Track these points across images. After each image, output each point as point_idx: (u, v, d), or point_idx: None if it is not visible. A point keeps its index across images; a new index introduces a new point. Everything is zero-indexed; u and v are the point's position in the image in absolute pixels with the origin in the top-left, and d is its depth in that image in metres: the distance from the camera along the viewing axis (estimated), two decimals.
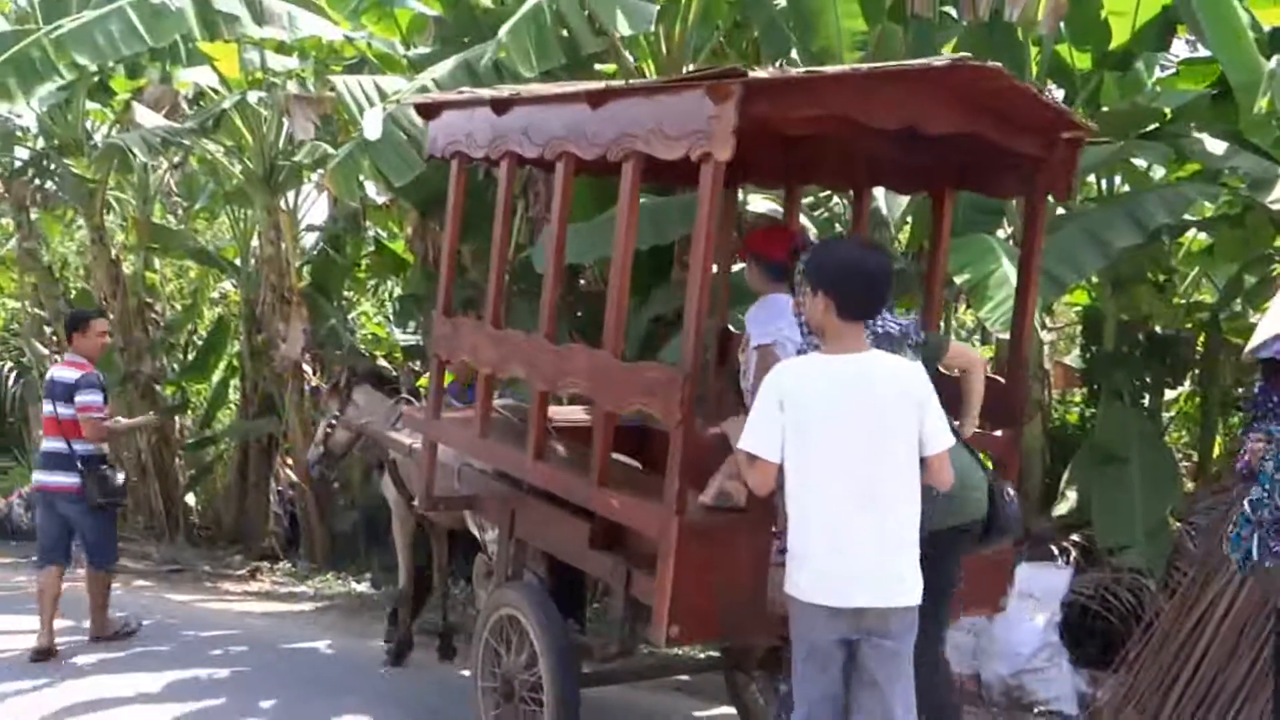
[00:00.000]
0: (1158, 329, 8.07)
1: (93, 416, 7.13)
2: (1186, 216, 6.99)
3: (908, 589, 3.66)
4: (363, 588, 9.58)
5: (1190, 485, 7.50)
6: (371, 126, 7.22)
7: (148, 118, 10.34)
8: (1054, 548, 7.01)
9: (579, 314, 8.60)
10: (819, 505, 3.64)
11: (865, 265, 3.76)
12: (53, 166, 11.56)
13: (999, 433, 4.71)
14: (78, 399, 7.13)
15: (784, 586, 3.73)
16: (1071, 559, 6.93)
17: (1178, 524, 6.86)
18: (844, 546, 3.61)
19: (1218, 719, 5.83)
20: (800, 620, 3.69)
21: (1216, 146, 6.76)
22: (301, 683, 6.54)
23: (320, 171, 11.23)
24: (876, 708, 3.68)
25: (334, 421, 7.23)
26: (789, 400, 3.64)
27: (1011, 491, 4.19)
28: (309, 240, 12.32)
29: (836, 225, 7.99)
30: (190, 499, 12.36)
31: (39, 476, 7.32)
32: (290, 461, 11.01)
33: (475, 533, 6.33)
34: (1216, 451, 7.95)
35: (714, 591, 4.01)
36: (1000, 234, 7.23)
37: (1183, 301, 8.33)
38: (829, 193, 7.98)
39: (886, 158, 5.07)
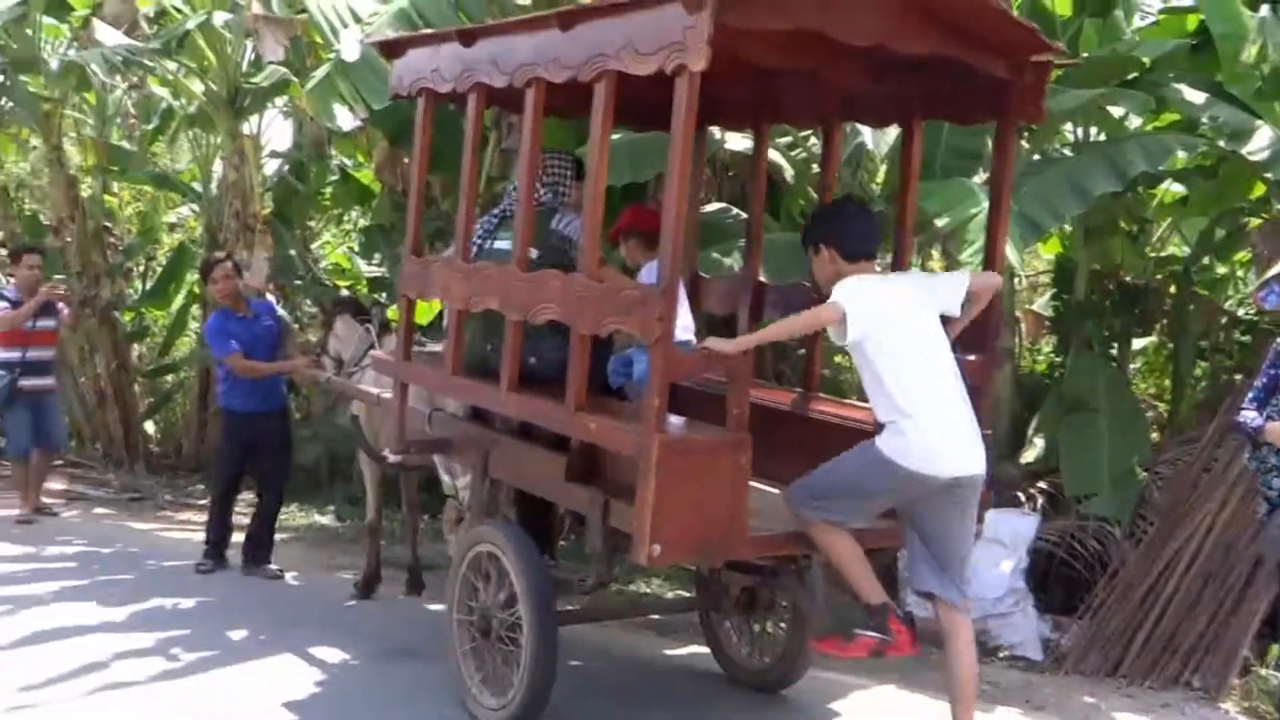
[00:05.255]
0: (1128, 279, 8.10)
1: None
2: (1162, 168, 6.99)
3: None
4: (326, 520, 9.51)
5: (1156, 435, 7.55)
6: (349, 48, 7.07)
7: (107, 35, 10.03)
8: (1020, 494, 7.06)
9: None
10: (922, 386, 4.09)
11: (849, 210, 4.53)
12: (7, 84, 11.20)
13: (971, 356, 4.68)
14: None
15: (882, 447, 4.07)
16: (1038, 506, 6.99)
17: (1144, 473, 6.92)
18: (950, 421, 4.11)
19: (1179, 667, 5.92)
20: (890, 477, 4.08)
21: (1195, 96, 6.75)
22: (268, 614, 6.47)
23: (285, 98, 11.02)
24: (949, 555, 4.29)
25: (318, 354, 7.29)
26: (866, 301, 4.12)
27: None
28: (271, 167, 12.07)
29: (814, 166, 7.91)
30: (149, 427, 12.20)
31: None
32: None
33: (445, 479, 6.28)
34: (1184, 402, 8.00)
35: (694, 510, 4.00)
36: (977, 180, 7.19)
37: (1154, 254, 8.36)
38: (807, 133, 7.90)
39: (855, 90, 5.04)
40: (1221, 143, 6.67)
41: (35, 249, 9.27)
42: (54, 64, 10.90)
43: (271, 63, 9.48)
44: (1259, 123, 6.54)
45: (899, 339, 4.14)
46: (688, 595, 5.92)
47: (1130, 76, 7.02)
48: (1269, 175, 6.65)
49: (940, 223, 6.20)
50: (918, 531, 4.30)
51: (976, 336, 4.67)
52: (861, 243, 4.35)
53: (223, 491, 7.61)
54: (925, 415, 4.07)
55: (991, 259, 4.72)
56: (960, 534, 4.28)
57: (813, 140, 8.25)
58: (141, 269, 13.40)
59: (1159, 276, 8.27)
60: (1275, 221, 7.30)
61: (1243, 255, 8.30)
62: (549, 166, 5.32)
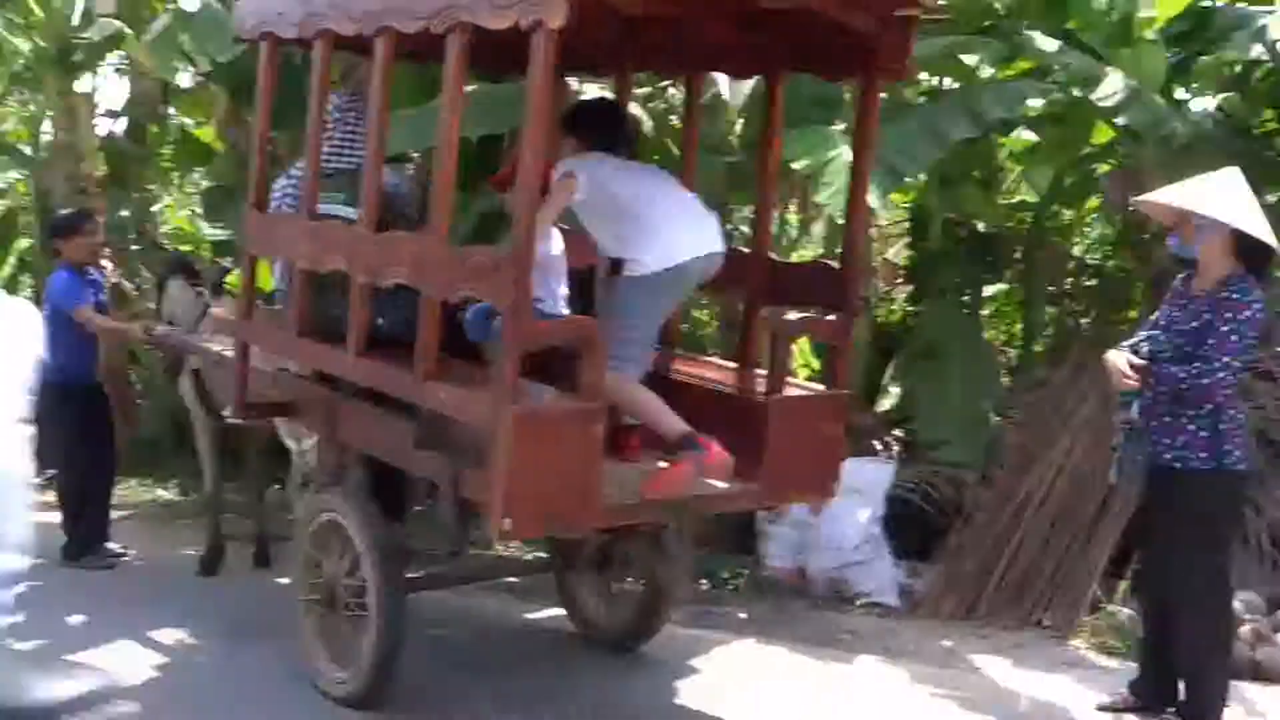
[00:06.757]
0: (980, 227, 8.18)
1: None
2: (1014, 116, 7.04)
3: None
4: (170, 494, 9.13)
5: (1008, 380, 7.65)
6: None
7: None
8: (877, 443, 7.11)
9: None
10: (645, 214, 4.34)
11: (600, 109, 4.98)
12: None
13: (832, 317, 4.64)
14: None
15: (630, 273, 4.31)
16: (894, 454, 7.04)
17: (996, 418, 7.00)
18: (677, 216, 4.39)
19: (1032, 605, 6.03)
20: (650, 291, 4.34)
21: (1048, 44, 6.79)
22: (107, 596, 6.16)
23: (119, 54, 10.49)
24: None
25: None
26: (585, 167, 4.34)
27: None
28: (105, 128, 11.48)
29: (672, 117, 7.79)
30: None
31: None
32: None
33: (289, 443, 6.05)
34: (1039, 347, 8.12)
35: (547, 483, 3.89)
36: (834, 128, 7.16)
37: (1005, 201, 8.46)
38: (666, 83, 7.77)
39: (721, 40, 4.92)
40: (1076, 91, 6.73)
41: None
42: None
43: (103, 16, 9.03)
44: (1108, 69, 6.61)
45: (620, 185, 4.39)
46: (545, 556, 5.79)
47: (985, 25, 7.04)
48: (1118, 120, 6.73)
49: (797, 165, 6.16)
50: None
51: (834, 292, 4.64)
52: (601, 140, 4.55)
53: (83, 473, 6.86)
54: (650, 226, 4.31)
55: (854, 215, 4.70)
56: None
57: (671, 91, 8.14)
58: None
59: (1010, 224, 8.37)
60: (1123, 169, 7.42)
61: (1092, 202, 8.45)
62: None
